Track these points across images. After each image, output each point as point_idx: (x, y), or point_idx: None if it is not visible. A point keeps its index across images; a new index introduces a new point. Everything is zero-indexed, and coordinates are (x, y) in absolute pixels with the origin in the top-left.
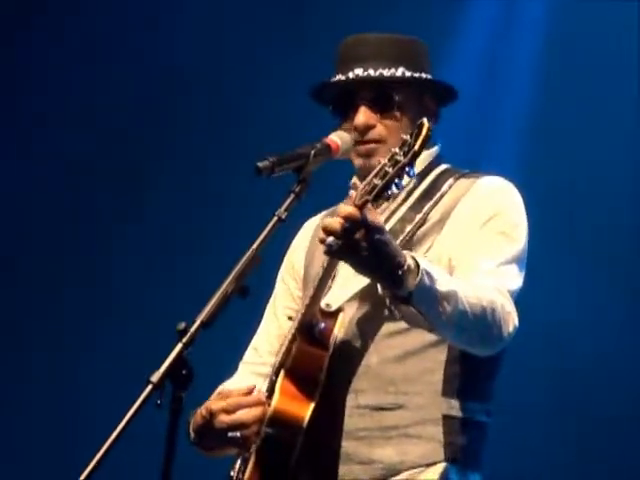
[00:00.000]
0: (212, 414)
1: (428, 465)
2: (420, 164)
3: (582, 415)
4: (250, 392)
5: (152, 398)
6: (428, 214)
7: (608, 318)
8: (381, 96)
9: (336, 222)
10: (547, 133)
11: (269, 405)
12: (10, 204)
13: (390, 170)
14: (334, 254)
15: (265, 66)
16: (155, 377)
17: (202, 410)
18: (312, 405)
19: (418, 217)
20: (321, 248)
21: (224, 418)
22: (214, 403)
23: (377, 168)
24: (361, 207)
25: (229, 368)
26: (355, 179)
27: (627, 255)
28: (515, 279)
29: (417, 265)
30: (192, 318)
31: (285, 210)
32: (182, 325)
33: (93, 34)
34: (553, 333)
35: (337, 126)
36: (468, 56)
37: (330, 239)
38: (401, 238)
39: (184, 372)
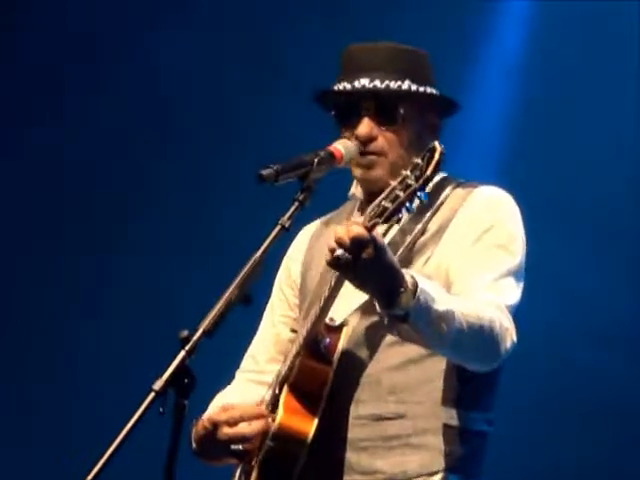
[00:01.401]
0: (214, 426)
1: (429, 474)
2: None
3: (582, 417)
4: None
5: (155, 406)
6: (427, 224)
7: (609, 319)
8: (385, 108)
9: (347, 237)
10: (545, 134)
11: (273, 420)
12: (10, 203)
13: (401, 194)
14: (340, 267)
15: (269, 70)
16: (157, 385)
17: (204, 422)
18: (316, 420)
19: (417, 228)
20: (318, 256)
21: (226, 430)
22: (217, 415)
23: (387, 190)
24: (370, 229)
25: (231, 376)
26: (354, 189)
27: (627, 254)
28: (513, 293)
29: (415, 284)
30: (194, 326)
31: (289, 218)
32: (184, 333)
33: (94, 34)
34: (552, 337)
35: (338, 132)
36: (464, 57)
37: (340, 251)
38: (402, 249)
39: (186, 380)
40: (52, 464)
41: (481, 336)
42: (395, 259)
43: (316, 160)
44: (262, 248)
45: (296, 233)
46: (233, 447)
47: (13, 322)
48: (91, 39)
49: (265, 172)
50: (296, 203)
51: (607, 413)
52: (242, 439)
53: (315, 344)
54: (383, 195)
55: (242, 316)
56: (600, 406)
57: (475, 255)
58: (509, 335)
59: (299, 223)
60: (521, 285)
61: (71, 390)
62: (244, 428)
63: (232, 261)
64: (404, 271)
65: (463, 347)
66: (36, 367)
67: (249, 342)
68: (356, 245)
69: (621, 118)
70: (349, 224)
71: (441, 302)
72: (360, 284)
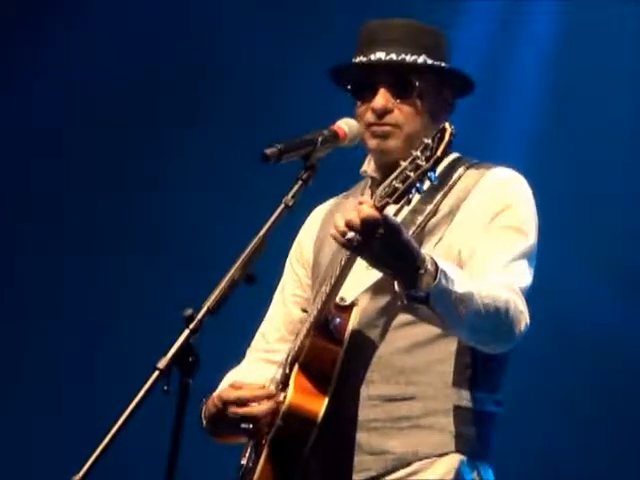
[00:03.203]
0: (224, 404)
1: (439, 456)
2: None
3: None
4: (262, 387)
5: (159, 384)
6: (439, 205)
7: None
8: (401, 81)
9: (357, 219)
10: (553, 134)
11: (283, 399)
12: (11, 200)
13: (411, 175)
14: (354, 250)
15: (275, 54)
16: (162, 363)
17: (215, 399)
18: (326, 400)
19: (429, 208)
20: (329, 236)
21: (236, 410)
22: (227, 393)
23: (397, 171)
24: (381, 209)
25: (235, 355)
26: (365, 166)
27: (610, 254)
28: (526, 275)
29: (435, 266)
30: (199, 305)
31: (292, 197)
32: (189, 311)
33: (102, 26)
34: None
35: (345, 113)
36: (473, 53)
37: (351, 234)
38: (412, 230)
39: (191, 358)
40: (58, 450)
41: (497, 318)
42: (412, 239)
43: (320, 139)
44: (266, 227)
45: (307, 213)
46: (243, 426)
47: (16, 317)
48: (100, 32)
49: (269, 151)
50: (300, 182)
51: (604, 405)
52: (251, 419)
53: (325, 323)
54: (393, 175)
55: (249, 296)
56: (594, 398)
57: (488, 237)
58: (523, 318)
59: (308, 203)
60: (533, 267)
61: (77, 376)
62: (253, 408)
63: (240, 246)
64: (424, 253)
65: (480, 329)
66: (41, 354)
67: (255, 322)
68: (367, 226)
69: (614, 119)
70: (359, 205)
71: (460, 284)
72: (376, 265)
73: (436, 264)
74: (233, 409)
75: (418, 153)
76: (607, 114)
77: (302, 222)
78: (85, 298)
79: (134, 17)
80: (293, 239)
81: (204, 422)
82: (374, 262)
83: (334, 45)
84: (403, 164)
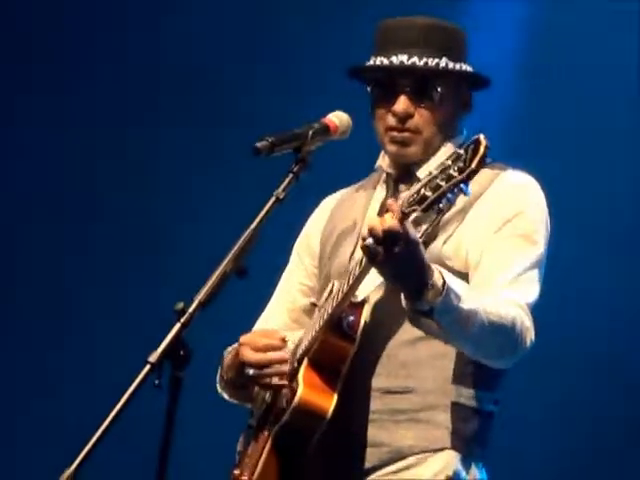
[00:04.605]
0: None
1: (434, 451)
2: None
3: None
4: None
5: (150, 378)
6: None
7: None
8: (423, 87)
9: (379, 229)
10: (540, 131)
11: (292, 393)
12: (11, 200)
13: (443, 184)
14: (369, 257)
15: (274, 53)
16: (153, 357)
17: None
18: (335, 396)
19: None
20: (340, 225)
21: (247, 352)
22: (247, 336)
23: (427, 179)
24: (407, 215)
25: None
26: (380, 162)
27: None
28: (534, 288)
29: (443, 281)
30: (190, 298)
31: (283, 190)
32: (180, 305)
33: (93, 31)
34: (566, 335)
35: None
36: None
37: (370, 241)
38: (426, 226)
39: (182, 352)
40: (49, 445)
41: (502, 335)
42: (426, 254)
43: (310, 132)
44: (257, 220)
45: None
46: (247, 370)
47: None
48: (92, 37)
49: (260, 144)
50: (290, 175)
51: (616, 411)
52: (256, 365)
53: (339, 321)
54: (422, 183)
55: (240, 289)
56: (609, 405)
57: (497, 245)
58: (529, 334)
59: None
60: (542, 276)
61: (70, 369)
62: (261, 355)
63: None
64: (434, 266)
65: (484, 345)
66: (34, 347)
67: (245, 314)
68: (388, 237)
69: (614, 116)
70: (384, 214)
71: (466, 301)
72: (388, 276)
73: (444, 279)
74: (245, 351)
75: (449, 162)
76: (608, 111)
77: (294, 214)
78: (81, 295)
79: (134, 17)
80: (284, 232)
81: (221, 372)
82: (385, 272)
83: (334, 45)
84: (434, 172)
